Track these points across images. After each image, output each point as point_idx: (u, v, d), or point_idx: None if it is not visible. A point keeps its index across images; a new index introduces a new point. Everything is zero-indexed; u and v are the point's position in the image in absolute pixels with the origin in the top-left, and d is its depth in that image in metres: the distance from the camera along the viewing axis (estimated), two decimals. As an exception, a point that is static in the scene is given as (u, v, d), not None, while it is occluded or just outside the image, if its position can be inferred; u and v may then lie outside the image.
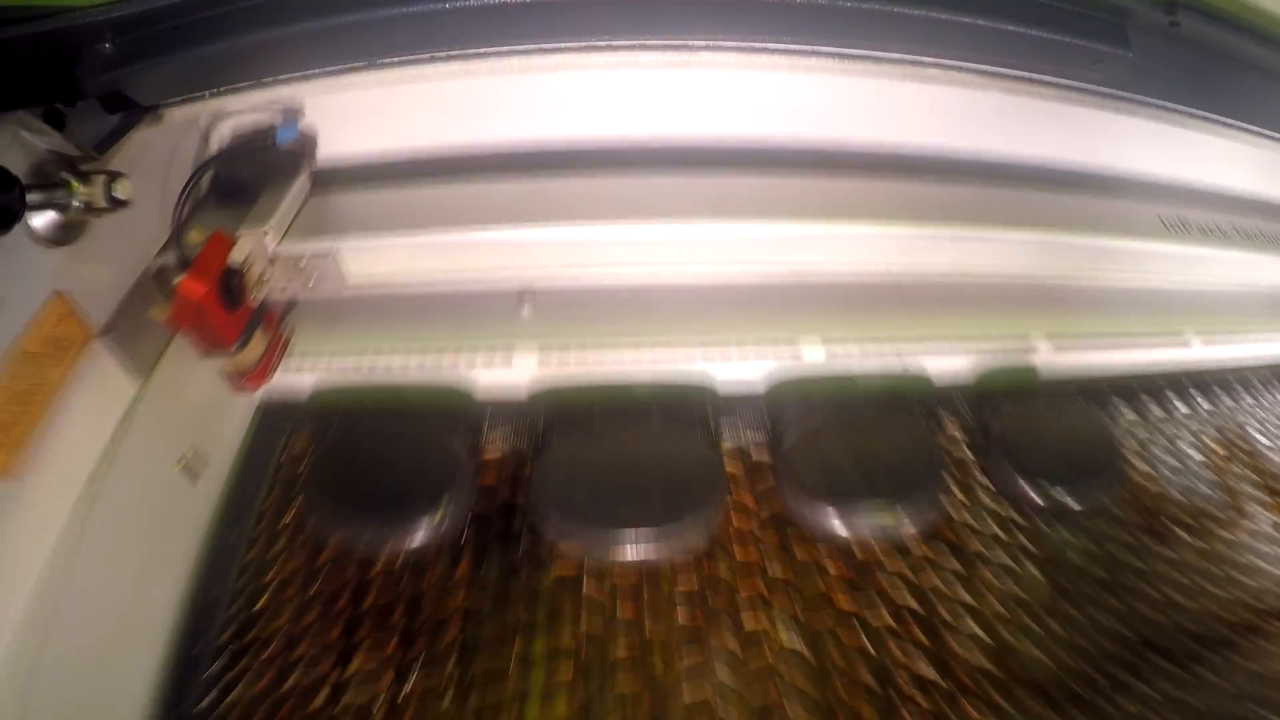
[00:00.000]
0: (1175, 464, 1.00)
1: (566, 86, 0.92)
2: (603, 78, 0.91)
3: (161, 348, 0.83)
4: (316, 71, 0.74)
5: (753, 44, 0.74)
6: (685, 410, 0.95)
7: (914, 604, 0.83)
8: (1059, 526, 0.90)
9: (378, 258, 0.91)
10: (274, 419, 0.97)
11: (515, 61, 0.75)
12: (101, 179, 0.65)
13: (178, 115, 0.76)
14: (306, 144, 0.91)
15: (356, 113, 0.93)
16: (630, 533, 0.82)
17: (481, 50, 0.74)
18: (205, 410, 0.90)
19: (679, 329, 0.98)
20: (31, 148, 0.65)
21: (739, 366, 0.99)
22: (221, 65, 0.70)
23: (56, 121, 0.68)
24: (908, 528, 0.87)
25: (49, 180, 0.65)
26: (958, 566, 0.86)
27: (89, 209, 0.66)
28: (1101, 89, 0.78)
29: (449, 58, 0.74)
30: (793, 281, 1.01)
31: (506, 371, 0.97)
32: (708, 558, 0.85)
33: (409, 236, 0.87)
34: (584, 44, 0.74)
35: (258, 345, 0.86)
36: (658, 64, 0.76)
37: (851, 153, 0.99)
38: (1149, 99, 0.78)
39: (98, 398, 0.74)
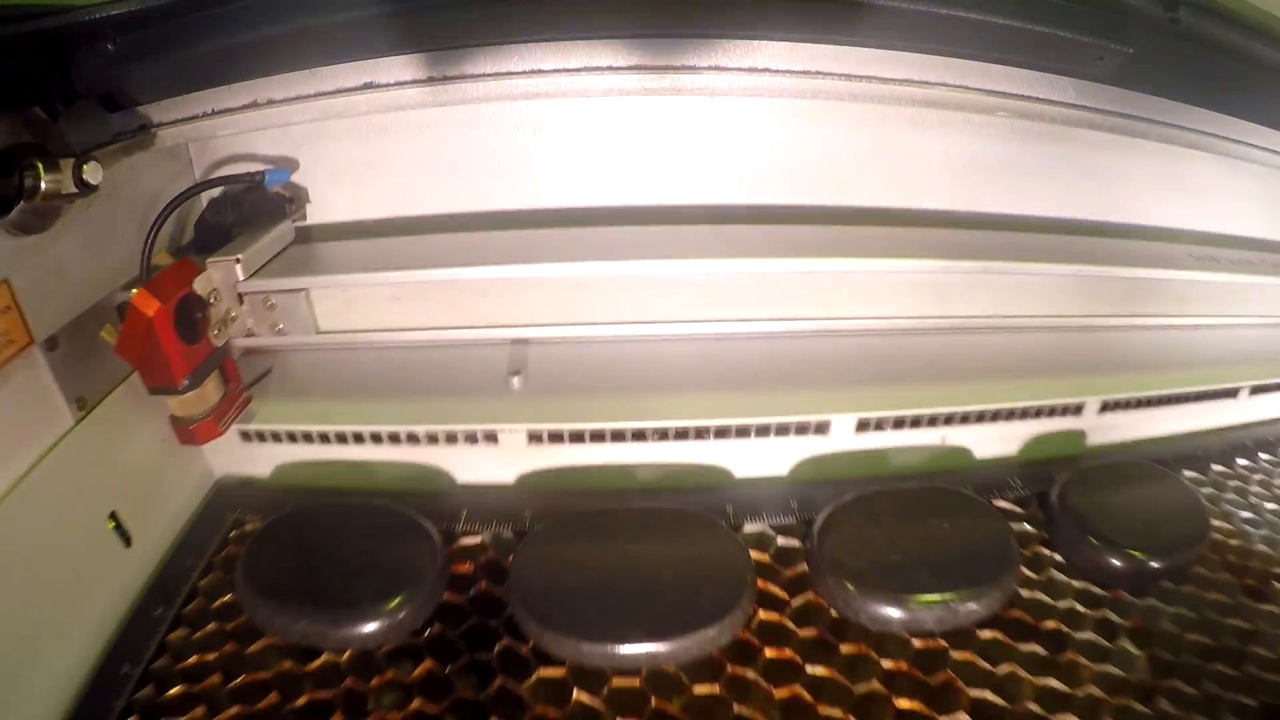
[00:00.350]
0: (1253, 516, 0.91)
1: (567, 141, 0.92)
2: (607, 123, 0.91)
3: (109, 388, 0.75)
4: (312, 93, 0.73)
5: (755, 63, 0.74)
6: (699, 496, 0.88)
7: (997, 700, 0.69)
8: (1149, 595, 0.79)
9: (352, 300, 0.84)
10: (228, 495, 0.90)
11: (514, 84, 0.74)
12: (70, 162, 0.62)
13: (168, 140, 0.74)
14: (296, 192, 0.89)
15: (348, 176, 0.92)
16: (633, 650, 0.69)
17: (481, 73, 0.74)
18: (149, 472, 0.81)
19: (690, 402, 0.89)
20: (12, 129, 0.62)
21: (759, 443, 0.90)
22: (220, 62, 0.69)
23: (49, 111, 0.66)
24: (975, 611, 0.74)
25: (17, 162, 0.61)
26: (1041, 650, 0.74)
27: (56, 195, 0.62)
28: (1107, 108, 0.78)
29: (445, 79, 0.73)
30: (814, 342, 0.95)
31: (491, 450, 0.89)
32: (731, 660, 0.71)
33: (389, 274, 0.82)
34: (582, 66, 0.74)
35: (213, 393, 0.77)
36: (658, 89, 0.76)
37: (870, 212, 0.98)
38: (1152, 95, 0.77)
39: (25, 415, 0.65)
